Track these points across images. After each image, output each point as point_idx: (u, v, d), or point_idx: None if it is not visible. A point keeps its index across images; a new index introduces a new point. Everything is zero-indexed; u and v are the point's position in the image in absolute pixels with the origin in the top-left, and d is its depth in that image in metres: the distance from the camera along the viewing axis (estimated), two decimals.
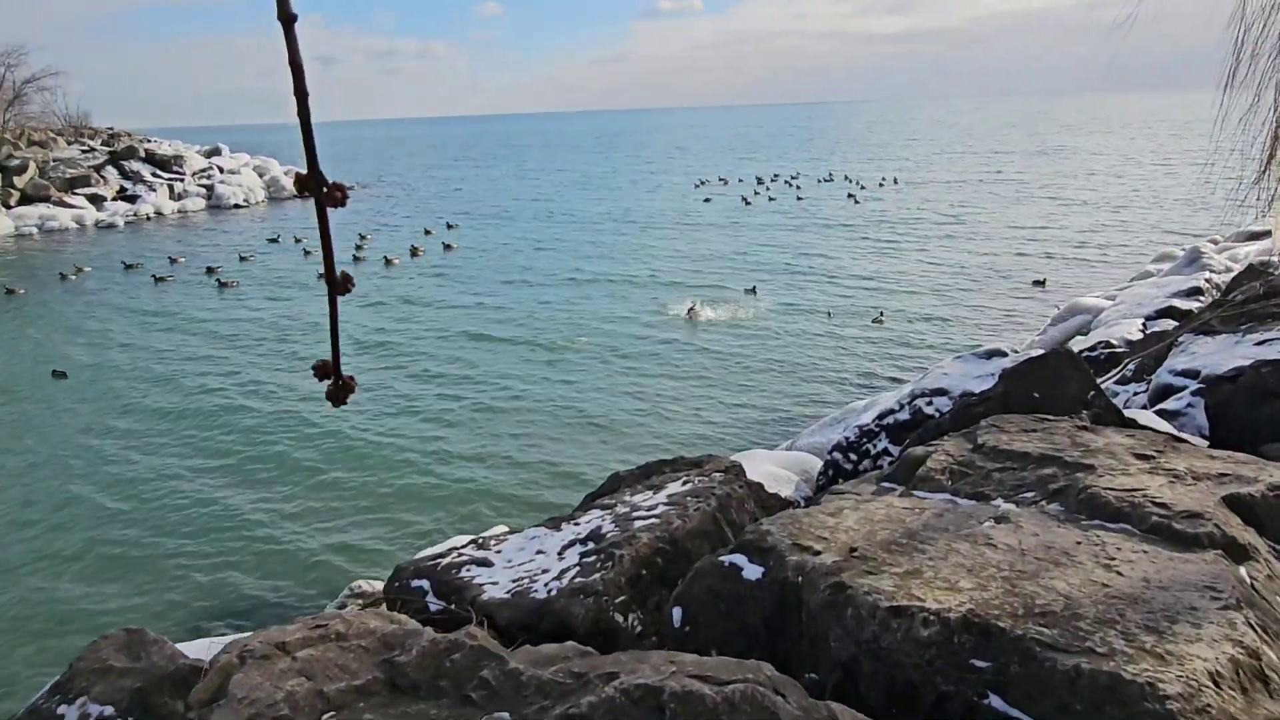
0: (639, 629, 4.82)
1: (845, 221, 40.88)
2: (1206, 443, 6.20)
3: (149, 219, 49.60)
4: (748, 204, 48.96)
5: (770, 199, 51.20)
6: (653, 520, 5.43)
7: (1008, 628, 2.88)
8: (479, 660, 2.55)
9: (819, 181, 59.33)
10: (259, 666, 2.60)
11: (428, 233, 40.71)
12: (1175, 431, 6.11)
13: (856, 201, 47.54)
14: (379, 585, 8.58)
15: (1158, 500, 3.94)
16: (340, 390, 0.91)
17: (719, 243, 36.07)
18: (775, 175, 62.73)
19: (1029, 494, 4.37)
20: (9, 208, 46.38)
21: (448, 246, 36.95)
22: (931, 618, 3.01)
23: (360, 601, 10.18)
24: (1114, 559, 3.46)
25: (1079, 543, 3.65)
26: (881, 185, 55.14)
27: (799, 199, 50.91)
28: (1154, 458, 4.59)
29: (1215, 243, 21.76)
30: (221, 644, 5.69)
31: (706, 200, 51.37)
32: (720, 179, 63.08)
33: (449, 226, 43.09)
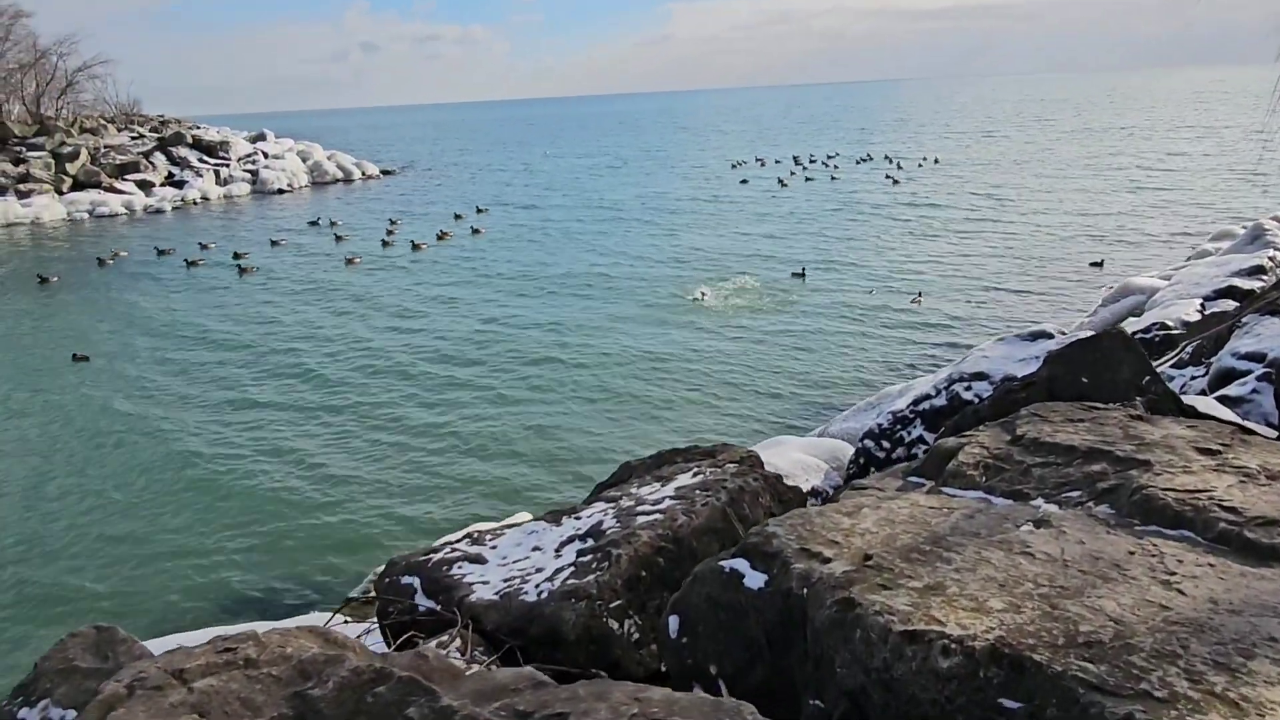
0: (636, 636, 4.41)
1: (883, 202, 39.84)
2: (1276, 433, 5.59)
3: (196, 204, 50.46)
4: (784, 185, 48.01)
5: (807, 179, 50.20)
6: (656, 516, 5.00)
7: (1044, 661, 2.40)
8: (407, 696, 2.18)
9: (857, 162, 58.03)
10: (146, 700, 2.26)
11: (458, 217, 40.63)
12: (1241, 420, 5.51)
13: (895, 182, 46.32)
14: None
15: (1226, 504, 3.39)
16: None
17: (754, 226, 35.35)
18: (812, 156, 61.47)
19: (1074, 494, 3.84)
20: (62, 194, 47.49)
21: (475, 231, 36.76)
22: (953, 646, 2.54)
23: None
24: (1174, 574, 2.95)
25: (1132, 553, 3.13)
26: (921, 166, 53.69)
27: (833, 179, 49.82)
28: (1220, 452, 4.01)
29: (1278, 219, 20.55)
30: (204, 638, 5.44)
31: (743, 182, 50.53)
32: (757, 160, 62.05)
33: (478, 210, 42.94)
